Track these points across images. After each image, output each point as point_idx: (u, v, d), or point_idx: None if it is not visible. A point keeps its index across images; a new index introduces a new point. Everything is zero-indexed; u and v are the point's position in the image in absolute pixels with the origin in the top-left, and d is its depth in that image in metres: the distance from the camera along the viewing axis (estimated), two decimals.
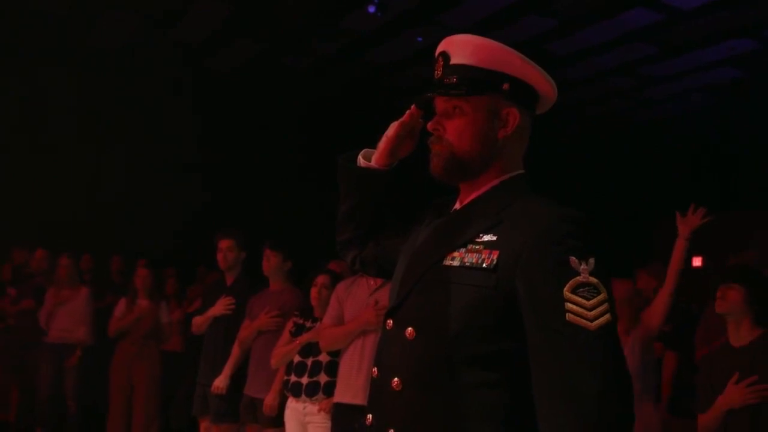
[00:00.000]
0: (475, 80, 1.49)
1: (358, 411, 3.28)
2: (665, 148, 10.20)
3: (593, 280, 1.33)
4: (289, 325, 4.02)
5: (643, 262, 5.83)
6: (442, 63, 1.54)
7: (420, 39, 7.76)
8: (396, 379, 1.45)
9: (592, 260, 1.34)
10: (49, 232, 7.16)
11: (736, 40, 7.61)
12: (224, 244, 4.62)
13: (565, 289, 1.31)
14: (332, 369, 3.68)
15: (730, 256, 5.85)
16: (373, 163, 1.74)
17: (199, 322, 4.71)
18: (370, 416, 1.53)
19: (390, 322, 1.53)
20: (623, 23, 7.34)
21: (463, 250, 1.44)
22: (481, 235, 1.44)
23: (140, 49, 8.21)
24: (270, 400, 4.04)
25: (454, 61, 1.52)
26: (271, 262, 4.40)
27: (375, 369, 1.55)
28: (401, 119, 1.69)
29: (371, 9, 6.90)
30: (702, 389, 3.03)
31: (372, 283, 3.58)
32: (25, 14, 7.45)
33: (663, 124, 10.40)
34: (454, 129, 1.52)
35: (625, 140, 10.75)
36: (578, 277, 1.32)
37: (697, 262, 9.69)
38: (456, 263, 1.44)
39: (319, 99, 9.44)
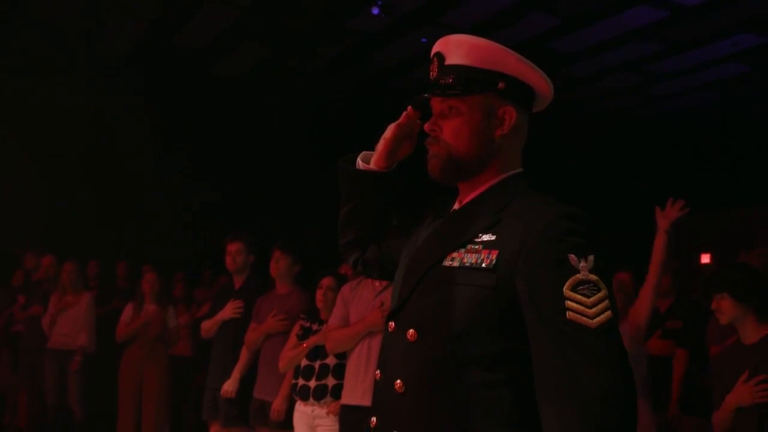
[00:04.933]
0: (471, 80, 1.48)
1: (366, 412, 3.26)
2: (672, 145, 10.15)
3: (593, 277, 1.32)
4: (296, 329, 4.02)
5: (650, 259, 5.77)
6: (437, 64, 1.53)
7: (424, 40, 7.76)
8: (398, 381, 1.45)
9: (591, 257, 1.33)
10: (56, 237, 7.17)
11: (741, 36, 7.57)
12: (233, 247, 4.62)
13: (565, 287, 1.31)
14: (340, 372, 3.67)
15: (740, 252, 5.79)
16: (372, 166, 1.74)
17: (207, 326, 4.71)
18: (374, 419, 1.53)
19: (392, 324, 1.53)
20: (627, 20, 7.32)
21: (462, 250, 1.44)
22: (480, 234, 1.43)
23: (147, 53, 8.23)
24: (277, 404, 4.03)
25: (449, 61, 1.51)
26: (280, 264, 4.40)
27: (378, 371, 1.55)
28: (398, 121, 1.69)
29: (375, 11, 6.90)
30: (716, 389, 3.04)
31: (377, 284, 3.57)
32: (31, 20, 7.47)
33: (670, 120, 10.35)
34: (450, 129, 1.51)
35: (632, 137, 10.70)
36: (578, 275, 1.31)
37: (705, 259, 9.64)
38: (456, 264, 1.43)
39: (327, 101, 9.44)
